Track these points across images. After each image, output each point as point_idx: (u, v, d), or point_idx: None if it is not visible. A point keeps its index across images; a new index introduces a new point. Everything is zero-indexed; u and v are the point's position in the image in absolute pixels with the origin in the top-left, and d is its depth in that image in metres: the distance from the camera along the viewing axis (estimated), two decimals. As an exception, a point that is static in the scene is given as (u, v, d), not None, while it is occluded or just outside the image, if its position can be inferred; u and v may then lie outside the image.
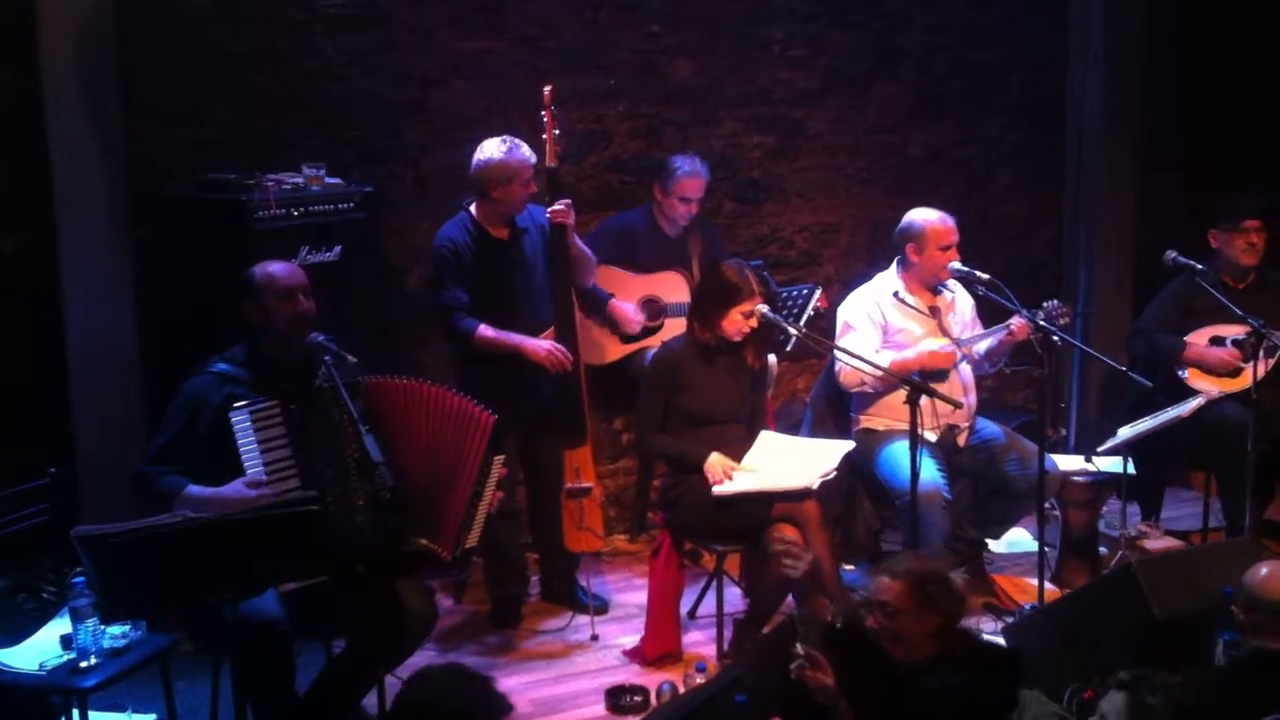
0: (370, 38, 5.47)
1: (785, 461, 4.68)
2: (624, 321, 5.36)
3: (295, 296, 4.08)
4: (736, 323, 4.72)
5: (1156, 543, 5.62)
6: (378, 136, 5.51)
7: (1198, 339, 5.50)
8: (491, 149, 4.85)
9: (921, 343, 5.04)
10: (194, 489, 3.90)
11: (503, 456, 4.29)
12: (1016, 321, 4.90)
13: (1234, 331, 5.40)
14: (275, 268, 4.14)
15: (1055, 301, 5.04)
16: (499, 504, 4.34)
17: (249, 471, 3.91)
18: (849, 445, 4.81)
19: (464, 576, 5.33)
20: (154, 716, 4.19)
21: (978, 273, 4.95)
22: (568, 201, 4.95)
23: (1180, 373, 5.47)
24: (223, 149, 5.11)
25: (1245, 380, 5.26)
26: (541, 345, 4.88)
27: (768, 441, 4.78)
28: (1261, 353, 5.07)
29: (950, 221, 5.06)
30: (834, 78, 6.29)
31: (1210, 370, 5.43)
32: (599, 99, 5.87)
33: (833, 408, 5.34)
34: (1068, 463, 5.37)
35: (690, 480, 4.74)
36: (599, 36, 5.85)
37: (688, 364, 4.78)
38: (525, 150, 4.86)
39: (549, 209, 4.92)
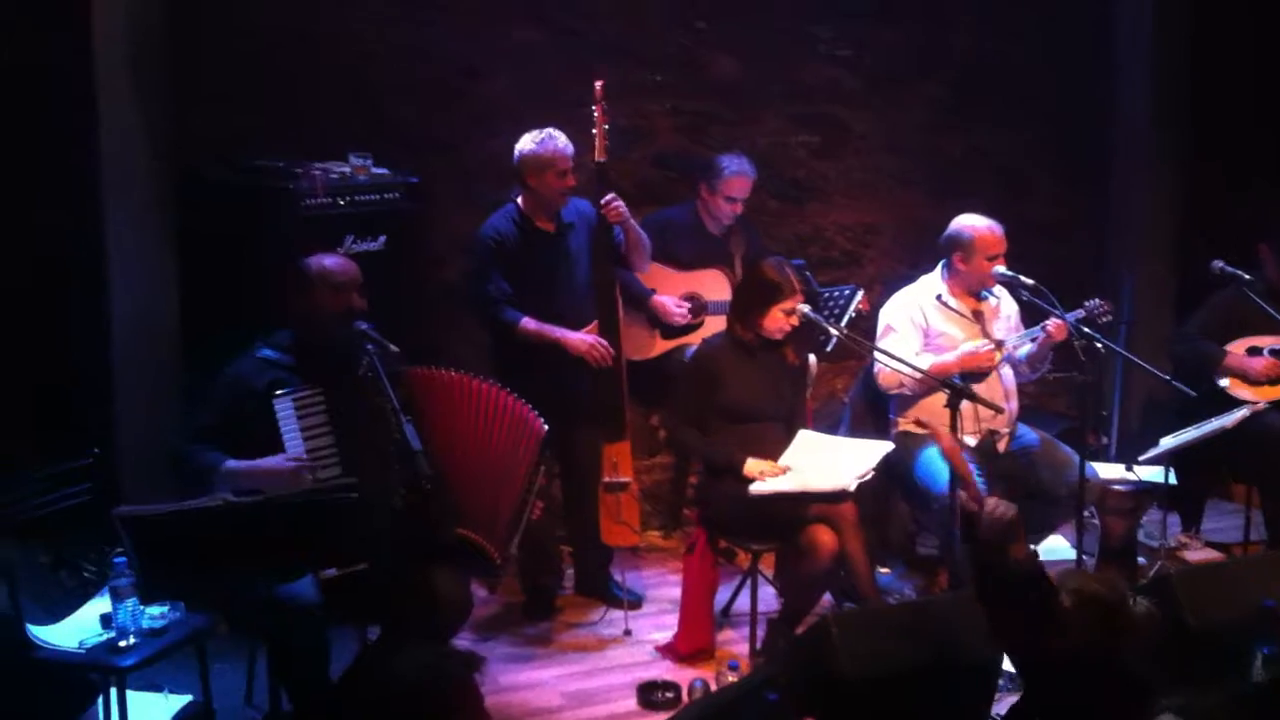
0: (415, 27, 5.49)
1: (823, 461, 4.67)
2: (666, 314, 5.35)
3: (349, 293, 4.10)
4: (778, 320, 4.72)
5: (1196, 554, 5.58)
6: (420, 126, 5.53)
7: (1235, 349, 5.46)
8: (527, 140, 4.87)
9: (961, 345, 5.01)
10: (232, 463, 3.94)
11: (543, 466, 4.31)
12: (1053, 322, 4.88)
13: (1271, 342, 5.36)
14: (331, 262, 4.16)
15: (1096, 300, 5.01)
16: (541, 513, 4.37)
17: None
18: (888, 446, 4.78)
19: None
20: (190, 697, 4.21)
21: (1022, 277, 4.92)
22: (614, 196, 4.94)
23: (1221, 382, 5.43)
24: (267, 135, 5.13)
25: (1282, 391, 5.24)
26: (584, 339, 4.88)
27: (806, 440, 4.77)
28: None
29: (999, 230, 5.02)
30: (879, 77, 6.27)
31: (1251, 380, 5.39)
32: (642, 94, 5.88)
33: (871, 409, 5.32)
34: (1108, 471, 5.33)
35: (726, 478, 4.73)
36: (643, 30, 5.85)
37: (727, 361, 4.78)
38: (560, 141, 4.86)
39: (603, 206, 4.92)
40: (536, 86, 5.63)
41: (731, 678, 4.23)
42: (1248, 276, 5.22)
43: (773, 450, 4.71)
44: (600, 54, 5.68)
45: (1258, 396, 5.34)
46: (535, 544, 5.05)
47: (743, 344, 4.78)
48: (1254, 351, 5.45)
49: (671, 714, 4.37)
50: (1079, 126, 6.61)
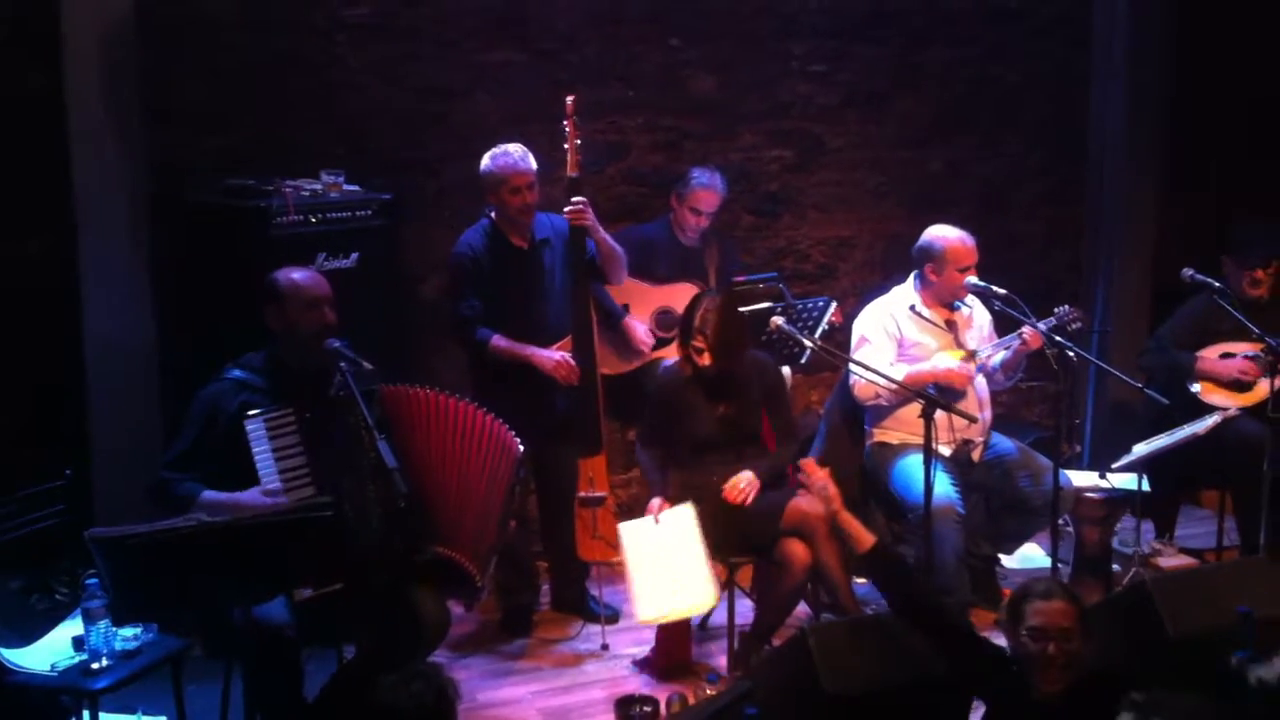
0: (393, 48, 5.51)
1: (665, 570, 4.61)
2: (635, 341, 5.37)
3: (320, 308, 4.08)
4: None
5: (1170, 560, 5.60)
6: (399, 146, 5.54)
7: (1209, 354, 5.49)
8: (486, 156, 4.90)
9: (936, 356, 5.03)
10: (210, 494, 3.91)
11: (518, 487, 4.32)
12: (1028, 330, 4.90)
13: (1242, 349, 5.40)
14: (300, 276, 4.13)
15: (1066, 307, 5.03)
16: (514, 527, 4.38)
17: (264, 479, 3.92)
18: (710, 600, 4.65)
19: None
20: (164, 719, 4.20)
21: (994, 288, 4.95)
22: (583, 200, 4.94)
23: (1192, 387, 5.45)
24: (244, 156, 5.14)
25: (1259, 394, 5.26)
26: (551, 356, 4.89)
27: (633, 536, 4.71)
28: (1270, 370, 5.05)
29: (970, 242, 5.05)
30: (854, 93, 6.29)
31: (1224, 383, 5.41)
32: (619, 111, 5.89)
33: (847, 420, 5.33)
34: (1082, 479, 5.35)
35: (705, 495, 4.74)
36: (620, 50, 5.88)
37: (685, 390, 4.77)
38: (514, 157, 4.87)
39: (566, 209, 4.93)
40: (514, 105, 5.65)
41: (710, 691, 4.21)
42: (1217, 284, 5.24)
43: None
44: (576, 72, 5.71)
45: (1230, 401, 5.38)
46: (512, 560, 5.07)
47: (694, 370, 4.75)
48: (1227, 358, 5.48)
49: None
50: (1057, 140, 6.64)
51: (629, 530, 4.72)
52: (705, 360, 4.67)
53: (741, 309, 4.91)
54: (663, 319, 5.48)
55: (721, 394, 4.76)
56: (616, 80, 5.87)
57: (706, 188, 5.43)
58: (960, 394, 5.00)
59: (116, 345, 4.92)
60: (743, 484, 4.64)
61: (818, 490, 4.11)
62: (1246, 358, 5.40)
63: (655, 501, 4.73)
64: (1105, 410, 6.50)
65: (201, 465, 3.98)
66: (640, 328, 5.38)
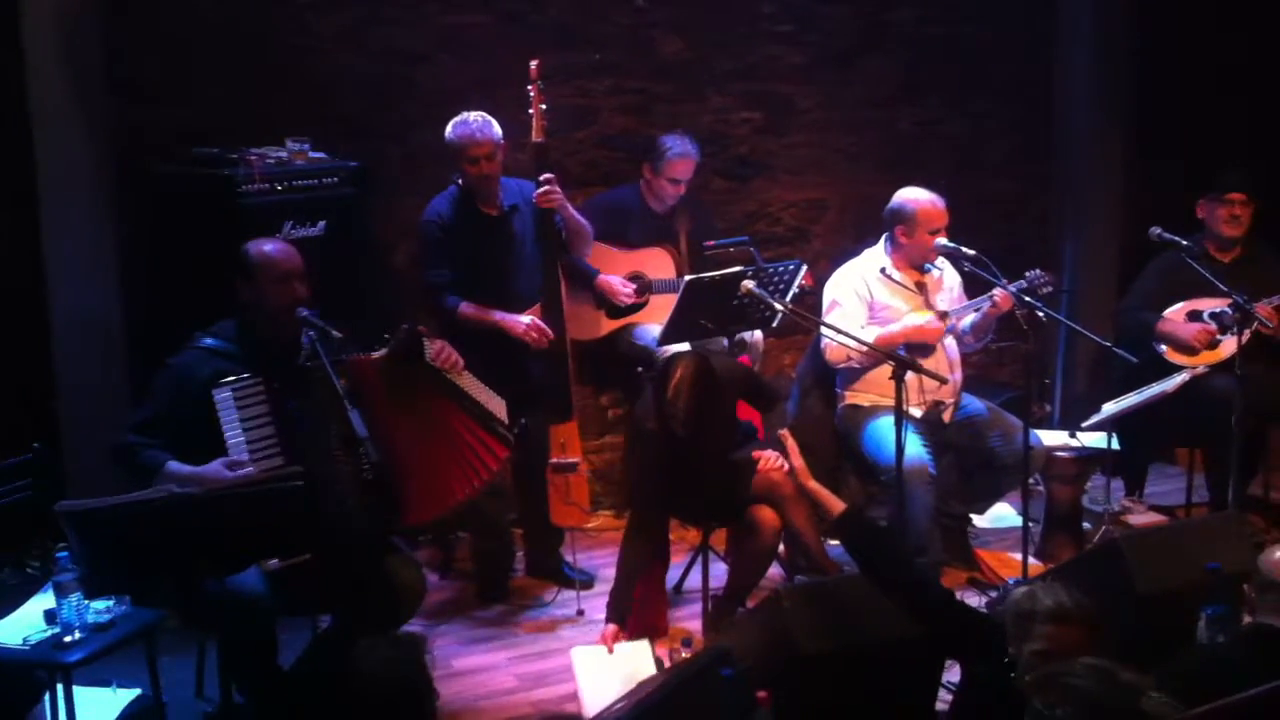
0: (357, 13, 5.45)
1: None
2: (612, 294, 5.34)
3: (290, 281, 4.05)
4: None
5: (1140, 518, 5.64)
6: (365, 113, 5.49)
7: (1175, 314, 5.51)
8: (449, 124, 4.86)
9: (906, 317, 5.04)
10: (175, 465, 3.89)
11: (437, 344, 4.24)
12: (999, 292, 4.92)
13: (1210, 306, 5.42)
14: (271, 249, 4.10)
15: (1037, 271, 5.04)
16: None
17: (231, 449, 3.91)
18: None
19: (451, 551, 5.36)
20: (139, 691, 4.19)
21: (964, 249, 4.95)
22: (549, 178, 4.91)
23: (1159, 348, 5.47)
24: (209, 126, 5.08)
25: (1225, 351, 5.28)
26: (520, 321, 4.88)
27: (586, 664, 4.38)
28: (1238, 326, 5.07)
29: (941, 204, 5.05)
30: (823, 53, 6.27)
31: (1183, 347, 5.43)
32: (586, 74, 5.86)
33: (819, 383, 5.35)
34: (1052, 438, 5.38)
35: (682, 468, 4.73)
36: (586, 11, 5.83)
37: (665, 452, 4.60)
38: (472, 127, 4.83)
39: (535, 194, 4.90)
40: (480, 69, 5.60)
41: (686, 654, 4.23)
42: (1185, 242, 5.26)
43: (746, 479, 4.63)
44: (543, 36, 5.66)
45: (1194, 362, 5.39)
46: (487, 527, 5.07)
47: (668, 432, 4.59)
48: (1194, 316, 5.49)
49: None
50: (1025, 100, 6.63)
51: (581, 656, 4.35)
52: (680, 430, 4.49)
53: (713, 368, 4.58)
54: (633, 284, 5.45)
55: (701, 445, 4.58)
56: (583, 43, 5.82)
57: (682, 156, 5.39)
58: (931, 352, 5.02)
59: (83, 319, 4.87)
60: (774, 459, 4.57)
61: (784, 462, 4.07)
62: (1212, 315, 5.43)
63: (609, 629, 4.39)
64: (1075, 370, 6.52)
65: (169, 434, 3.95)
66: (615, 279, 5.34)
